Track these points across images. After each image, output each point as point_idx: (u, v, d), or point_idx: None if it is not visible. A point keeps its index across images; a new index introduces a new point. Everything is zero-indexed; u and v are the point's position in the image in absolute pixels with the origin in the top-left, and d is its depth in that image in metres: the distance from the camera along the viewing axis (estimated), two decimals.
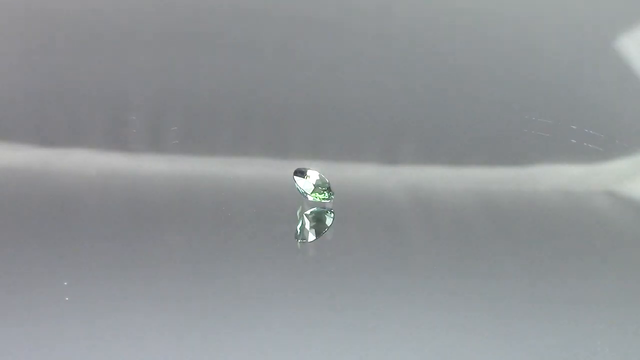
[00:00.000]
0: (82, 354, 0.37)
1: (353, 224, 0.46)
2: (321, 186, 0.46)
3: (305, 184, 0.46)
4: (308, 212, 0.46)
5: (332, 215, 0.46)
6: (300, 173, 0.46)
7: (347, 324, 0.39)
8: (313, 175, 0.46)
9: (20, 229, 0.44)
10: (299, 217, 0.46)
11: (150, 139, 0.53)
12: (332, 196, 0.46)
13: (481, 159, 0.53)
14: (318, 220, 0.46)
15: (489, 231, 0.47)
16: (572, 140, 0.51)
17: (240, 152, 0.53)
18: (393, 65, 0.59)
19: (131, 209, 0.47)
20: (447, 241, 0.45)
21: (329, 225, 0.45)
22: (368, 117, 0.56)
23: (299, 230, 0.45)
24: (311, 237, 0.45)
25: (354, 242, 0.45)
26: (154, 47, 0.60)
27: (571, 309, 0.41)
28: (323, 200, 0.46)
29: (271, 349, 0.38)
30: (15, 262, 0.42)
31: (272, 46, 0.60)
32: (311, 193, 0.46)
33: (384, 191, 0.50)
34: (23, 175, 0.49)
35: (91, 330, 0.38)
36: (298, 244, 0.44)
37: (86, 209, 0.47)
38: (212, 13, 0.60)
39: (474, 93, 0.58)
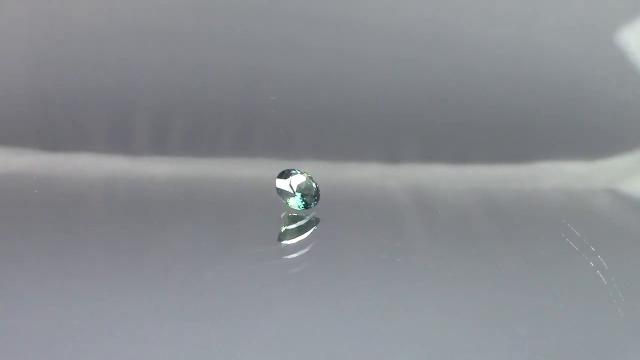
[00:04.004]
0: (82, 355, 0.37)
1: (351, 224, 0.46)
2: (303, 192, 0.45)
3: (284, 189, 0.45)
4: (291, 214, 0.46)
5: (316, 219, 0.46)
6: (282, 176, 0.45)
7: (346, 327, 0.39)
8: (296, 180, 0.45)
9: (24, 234, 0.45)
10: (282, 218, 0.46)
11: (156, 142, 0.53)
12: (311, 205, 0.45)
13: (483, 157, 0.53)
14: (301, 222, 0.45)
15: (490, 229, 0.47)
16: None
17: (241, 153, 0.53)
18: (394, 63, 0.59)
19: (135, 212, 0.47)
20: (448, 240, 0.45)
21: (311, 227, 0.45)
22: (368, 116, 0.56)
23: (282, 232, 0.45)
24: (293, 238, 0.44)
25: (353, 242, 0.45)
26: (158, 50, 0.60)
27: (573, 308, 0.41)
28: (298, 208, 0.45)
29: (270, 350, 0.38)
30: (18, 267, 0.42)
31: (272, 45, 0.60)
32: (286, 199, 0.45)
33: (385, 190, 0.50)
34: (26, 179, 0.49)
35: (92, 330, 0.38)
36: (281, 244, 0.44)
37: (90, 213, 0.47)
38: (211, 13, 0.60)
39: (475, 90, 0.58)
